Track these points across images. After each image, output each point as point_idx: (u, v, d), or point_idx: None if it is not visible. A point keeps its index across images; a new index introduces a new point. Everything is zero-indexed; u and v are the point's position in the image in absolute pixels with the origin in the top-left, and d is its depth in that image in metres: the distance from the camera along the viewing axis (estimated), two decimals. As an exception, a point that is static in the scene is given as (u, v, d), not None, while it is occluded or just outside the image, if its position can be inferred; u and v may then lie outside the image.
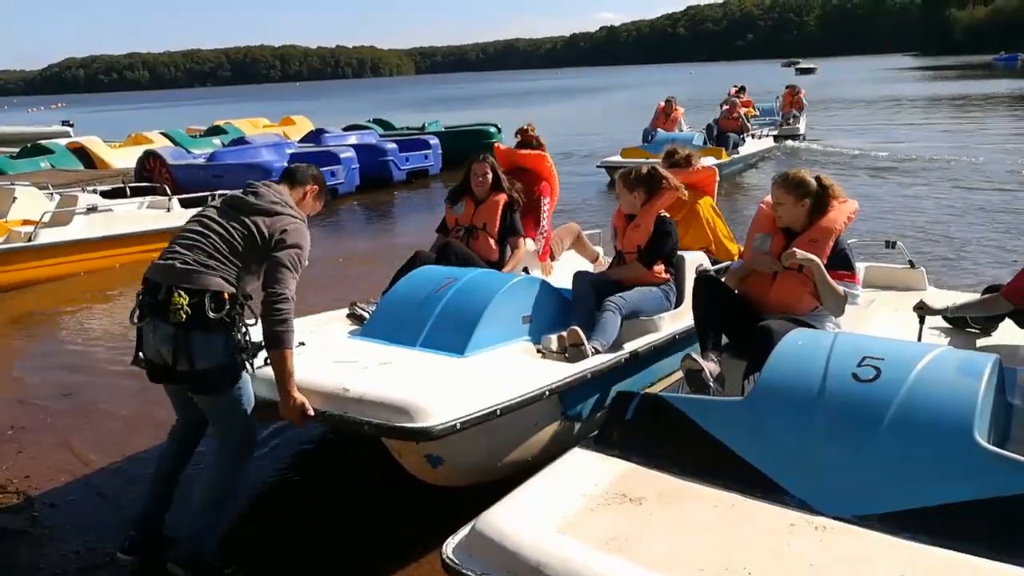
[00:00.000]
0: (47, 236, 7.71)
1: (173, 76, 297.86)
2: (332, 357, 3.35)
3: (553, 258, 5.13)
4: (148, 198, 9.02)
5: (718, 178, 5.11)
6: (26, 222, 8.02)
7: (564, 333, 3.63)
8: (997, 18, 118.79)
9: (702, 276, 3.68)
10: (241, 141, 14.79)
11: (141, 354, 2.84)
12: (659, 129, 14.22)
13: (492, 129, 16.20)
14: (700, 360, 3.33)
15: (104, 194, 9.29)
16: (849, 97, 35.87)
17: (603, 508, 2.34)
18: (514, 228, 4.67)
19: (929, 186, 11.63)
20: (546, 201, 5.15)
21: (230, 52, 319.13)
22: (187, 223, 2.91)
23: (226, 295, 2.72)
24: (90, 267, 8.06)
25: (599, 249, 5.42)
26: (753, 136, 15.12)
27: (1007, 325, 3.71)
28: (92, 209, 8.18)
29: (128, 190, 9.53)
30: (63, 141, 16.54)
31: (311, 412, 2.83)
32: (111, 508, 3.44)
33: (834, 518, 2.22)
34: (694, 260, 4.32)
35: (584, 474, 2.52)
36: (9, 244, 7.60)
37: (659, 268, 4.08)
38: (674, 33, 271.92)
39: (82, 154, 15.03)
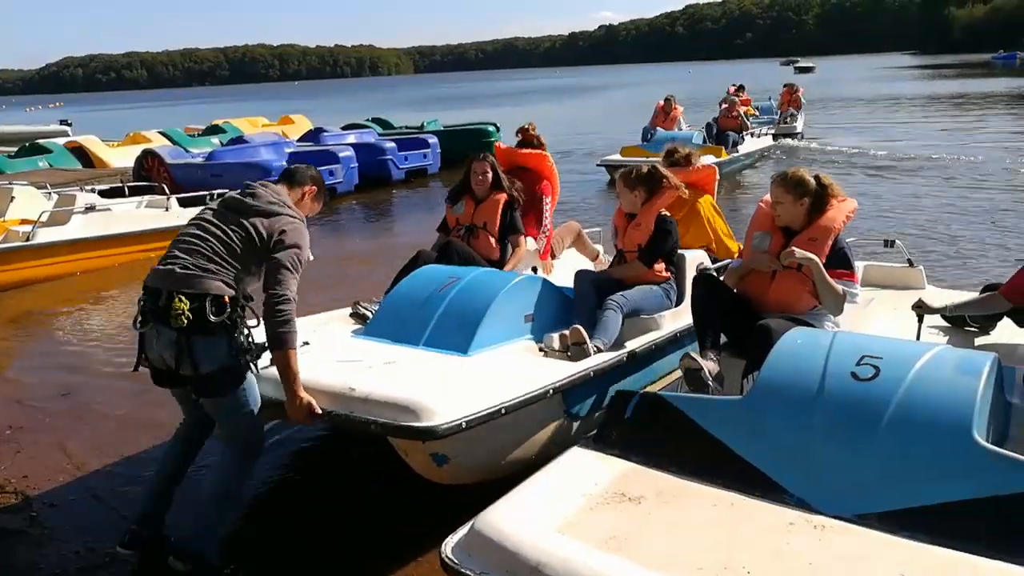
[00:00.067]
0: (45, 235, 7.70)
1: (171, 75, 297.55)
2: (336, 356, 3.36)
3: (554, 256, 5.14)
4: (146, 197, 9.01)
5: (718, 177, 5.12)
6: (24, 221, 8.02)
7: (566, 332, 3.65)
8: (996, 16, 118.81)
9: (701, 275, 3.69)
10: (240, 140, 14.77)
11: (145, 359, 2.84)
12: (658, 128, 14.21)
13: (491, 128, 16.20)
14: (699, 359, 3.33)
15: (102, 193, 9.27)
16: (848, 96, 35.86)
17: (602, 507, 2.34)
18: (514, 227, 4.69)
19: (928, 185, 11.63)
20: (547, 200, 5.17)
21: (228, 51, 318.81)
22: (185, 226, 2.91)
23: (226, 298, 2.72)
24: (88, 267, 8.06)
25: (599, 247, 5.43)
26: (752, 135, 15.13)
27: (1006, 324, 3.72)
28: (90, 208, 8.17)
29: (126, 189, 9.51)
30: (61, 140, 16.52)
31: (319, 411, 2.84)
32: (110, 508, 3.43)
33: (833, 517, 2.22)
34: (695, 259, 4.34)
35: (583, 473, 2.52)
36: (7, 244, 7.59)
37: (660, 267, 4.10)
38: (673, 32, 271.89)
39: (80, 153, 15.01)
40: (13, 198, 8.39)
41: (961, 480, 2.17)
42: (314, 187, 3.11)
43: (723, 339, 3.55)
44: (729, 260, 4.48)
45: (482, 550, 2.18)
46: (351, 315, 4.21)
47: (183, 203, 8.91)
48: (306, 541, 3.13)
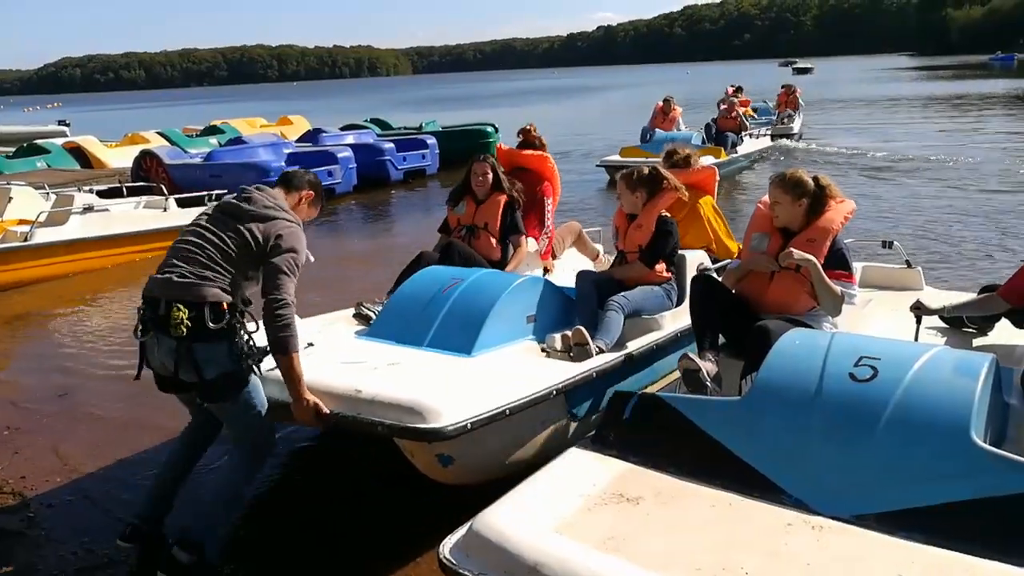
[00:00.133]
0: (43, 236, 7.69)
1: (170, 76, 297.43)
2: (341, 358, 3.38)
3: (555, 257, 5.16)
4: (145, 198, 9.01)
5: (718, 177, 5.13)
6: (22, 222, 8.00)
7: (569, 332, 3.66)
8: (993, 18, 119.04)
9: (699, 276, 3.70)
10: (238, 141, 14.76)
11: (148, 366, 2.84)
12: (657, 128, 14.21)
13: (489, 129, 16.20)
14: (697, 360, 3.34)
15: (100, 194, 9.27)
16: (846, 97, 35.90)
17: (600, 508, 2.34)
18: (515, 227, 4.70)
19: (926, 186, 11.64)
20: (549, 201, 5.18)
21: (227, 52, 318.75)
22: (182, 233, 2.91)
23: (225, 305, 2.72)
24: (86, 267, 8.04)
25: (599, 247, 5.44)
26: (751, 135, 15.14)
27: (1004, 325, 3.72)
28: (88, 209, 8.15)
29: (125, 190, 9.50)
30: (59, 141, 16.50)
31: (326, 411, 2.84)
32: (108, 509, 3.43)
33: (831, 517, 2.22)
34: (695, 259, 4.35)
35: (581, 474, 2.52)
36: (5, 244, 7.58)
37: (661, 267, 4.11)
38: (671, 33, 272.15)
39: (78, 154, 14.99)
40: (11, 198, 8.37)
41: (959, 481, 2.17)
42: (311, 192, 3.10)
43: (721, 340, 3.56)
44: (729, 260, 4.49)
45: (480, 551, 2.18)
46: (354, 316, 4.23)
47: (181, 204, 8.91)
48: (306, 541, 3.13)
